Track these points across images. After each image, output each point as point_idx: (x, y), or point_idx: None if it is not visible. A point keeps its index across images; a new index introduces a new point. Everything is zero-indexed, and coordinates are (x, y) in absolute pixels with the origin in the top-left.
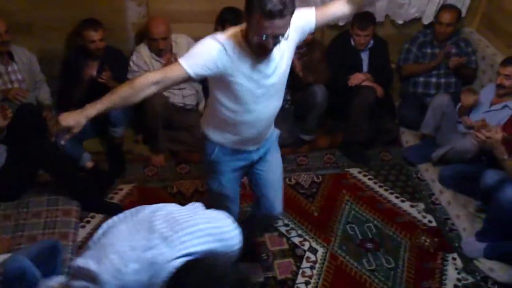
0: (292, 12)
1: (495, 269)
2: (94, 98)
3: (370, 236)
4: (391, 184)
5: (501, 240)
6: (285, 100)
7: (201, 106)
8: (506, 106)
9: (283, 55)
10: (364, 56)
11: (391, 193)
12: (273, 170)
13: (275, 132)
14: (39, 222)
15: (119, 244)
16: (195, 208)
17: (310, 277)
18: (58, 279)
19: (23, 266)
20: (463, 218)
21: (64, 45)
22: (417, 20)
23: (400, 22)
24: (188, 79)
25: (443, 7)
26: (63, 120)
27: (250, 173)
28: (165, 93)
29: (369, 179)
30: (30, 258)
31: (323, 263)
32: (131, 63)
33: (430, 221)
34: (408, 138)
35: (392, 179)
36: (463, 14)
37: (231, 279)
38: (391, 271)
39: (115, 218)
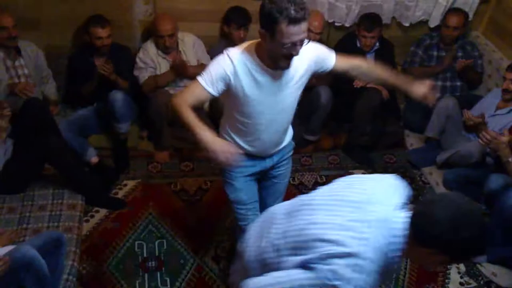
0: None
1: (498, 274)
2: (100, 92)
3: None
4: None
5: (504, 245)
6: None
7: (205, 105)
8: (511, 110)
9: (297, 68)
10: (370, 58)
11: None
12: (281, 180)
13: (291, 144)
14: (44, 215)
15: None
16: None
17: None
18: None
19: (29, 256)
20: None
21: (71, 41)
22: (424, 22)
23: (407, 24)
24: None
25: (450, 10)
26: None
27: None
28: (170, 91)
29: None
30: (36, 248)
31: None
32: (137, 60)
33: None
34: (412, 141)
35: None
36: (470, 18)
37: (479, 215)
38: (393, 275)
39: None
